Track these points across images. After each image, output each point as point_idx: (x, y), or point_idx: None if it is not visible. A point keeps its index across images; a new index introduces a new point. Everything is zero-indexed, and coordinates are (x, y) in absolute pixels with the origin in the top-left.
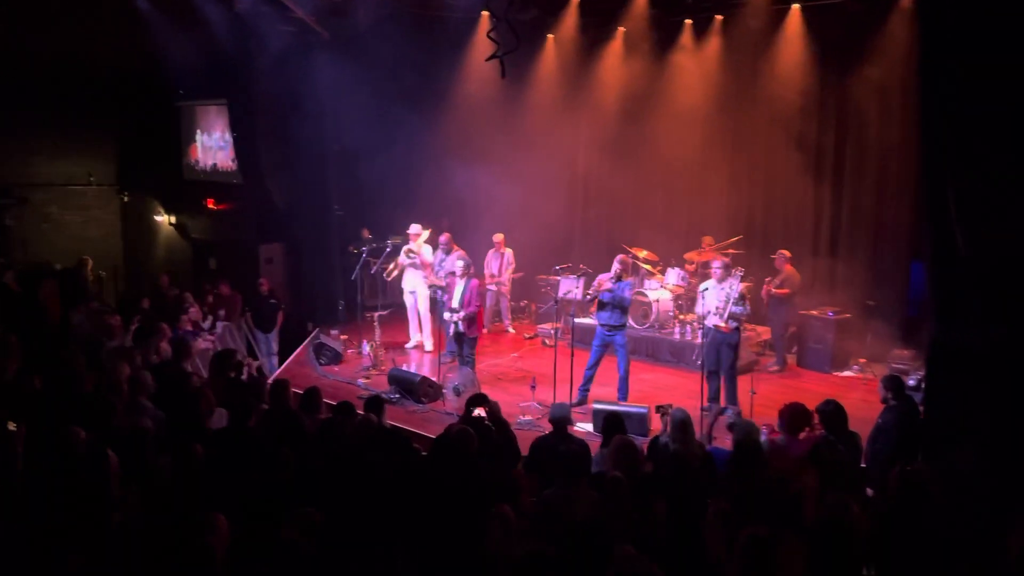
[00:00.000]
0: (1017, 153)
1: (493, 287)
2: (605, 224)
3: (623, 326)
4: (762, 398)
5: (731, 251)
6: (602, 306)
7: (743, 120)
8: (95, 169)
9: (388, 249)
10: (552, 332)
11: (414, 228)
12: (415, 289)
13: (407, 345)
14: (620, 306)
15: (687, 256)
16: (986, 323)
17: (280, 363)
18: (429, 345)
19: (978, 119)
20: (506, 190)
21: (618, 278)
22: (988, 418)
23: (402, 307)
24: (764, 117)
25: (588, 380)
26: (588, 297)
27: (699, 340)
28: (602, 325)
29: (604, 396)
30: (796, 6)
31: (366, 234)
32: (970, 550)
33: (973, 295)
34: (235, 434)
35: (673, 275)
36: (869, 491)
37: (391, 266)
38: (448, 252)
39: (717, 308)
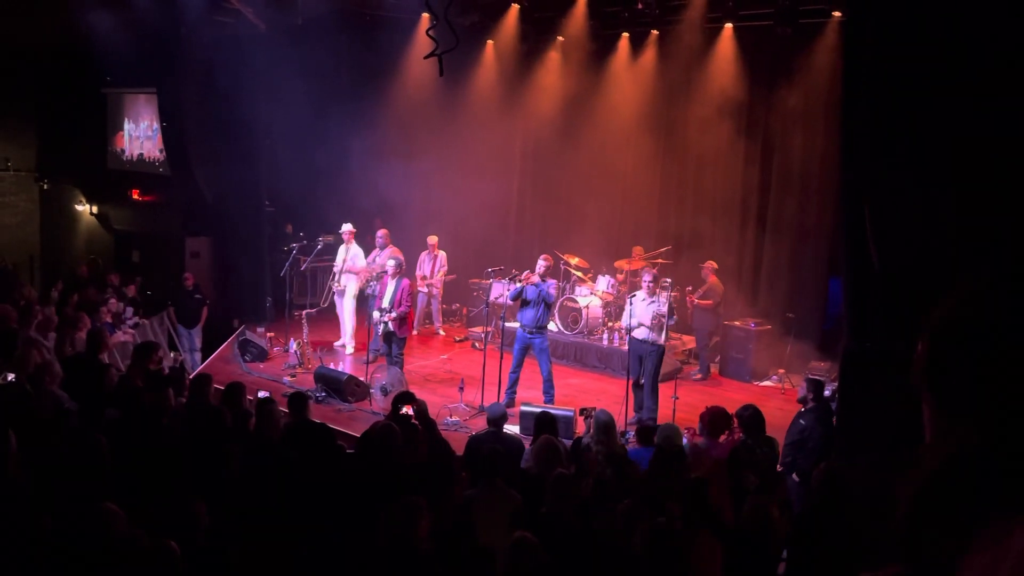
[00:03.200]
0: (928, 172)
1: (424, 289)
2: (539, 229)
3: (543, 328)
4: (684, 404)
5: (660, 260)
6: (524, 304)
7: (675, 132)
8: (12, 154)
9: (319, 247)
10: (482, 335)
11: (347, 227)
12: (345, 287)
13: (336, 344)
14: (544, 303)
15: (617, 264)
16: (893, 337)
17: (204, 359)
18: (350, 347)
19: (893, 138)
20: (441, 192)
21: (542, 277)
22: (894, 423)
23: (331, 307)
24: (695, 130)
25: (513, 383)
26: (513, 288)
27: (626, 348)
28: (523, 327)
29: (530, 399)
30: (729, 25)
31: (289, 229)
32: (876, 543)
33: (883, 310)
34: (142, 426)
35: (603, 282)
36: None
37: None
38: (383, 248)
39: (652, 321)
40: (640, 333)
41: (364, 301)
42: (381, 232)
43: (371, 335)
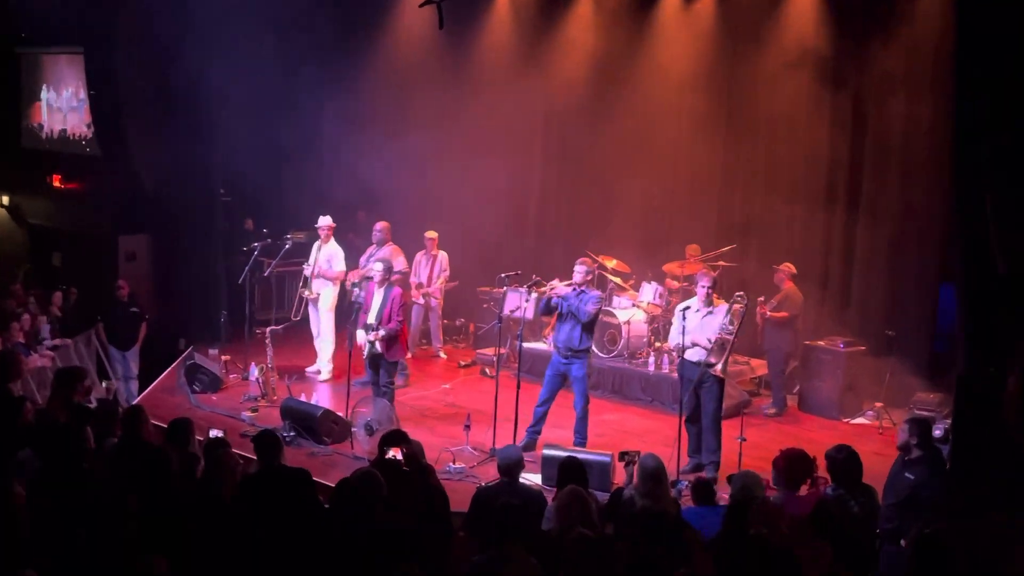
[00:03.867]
0: None
1: (420, 300)
2: (566, 224)
3: (585, 352)
4: (754, 447)
5: (722, 263)
6: (561, 319)
7: (740, 96)
8: None
9: (287, 246)
10: (494, 359)
11: (325, 221)
12: (319, 296)
13: (309, 370)
14: (581, 322)
15: (667, 268)
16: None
17: (141, 389)
18: (327, 372)
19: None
20: (441, 177)
21: (580, 288)
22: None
23: (303, 322)
24: (765, 93)
25: (538, 420)
26: (540, 299)
27: (676, 375)
28: (558, 349)
29: (557, 440)
30: None
31: (249, 226)
32: None
33: (1010, 326)
34: (67, 472)
35: (649, 291)
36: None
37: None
38: (381, 244)
39: (711, 338)
40: (694, 354)
41: (346, 314)
42: (380, 226)
43: (350, 356)
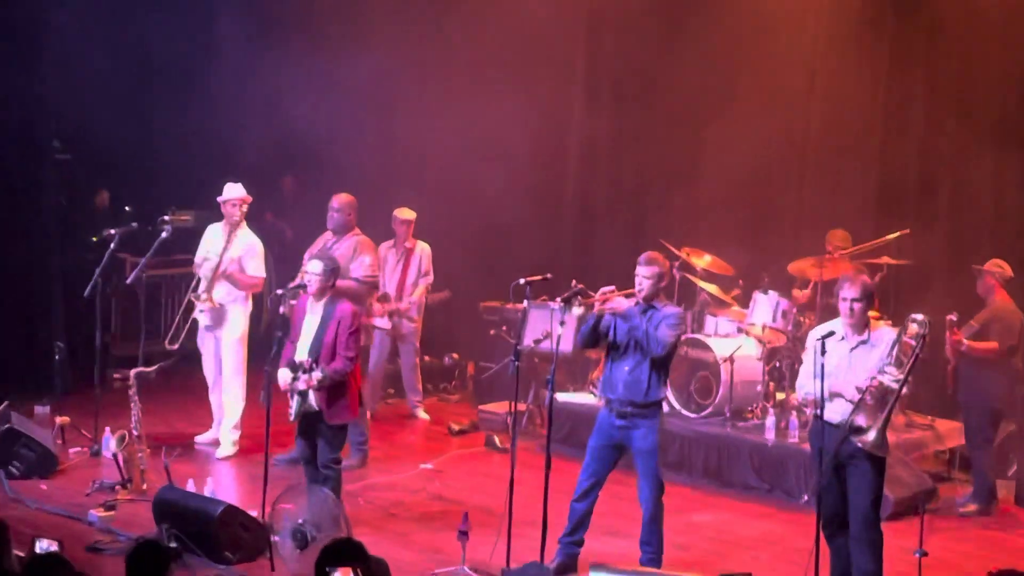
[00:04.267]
0: None
1: (385, 323)
2: (623, 201)
3: (656, 407)
4: (941, 564)
5: (886, 260)
6: (616, 353)
7: (910, 18)
8: None
9: (164, 234)
10: (506, 420)
11: (234, 192)
12: (224, 313)
13: (200, 439)
14: (652, 357)
15: (796, 269)
16: None
17: None
18: (231, 443)
19: None
20: (422, 125)
21: (647, 303)
22: None
23: (193, 359)
24: (954, 15)
25: (580, 521)
26: (584, 320)
27: (808, 447)
28: (611, 403)
29: (612, 556)
30: None
31: (102, 201)
32: None
33: None
34: None
35: (765, 307)
36: None
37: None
38: (341, 231)
39: (859, 390)
40: (837, 411)
41: (264, 347)
42: (340, 202)
43: (268, 417)
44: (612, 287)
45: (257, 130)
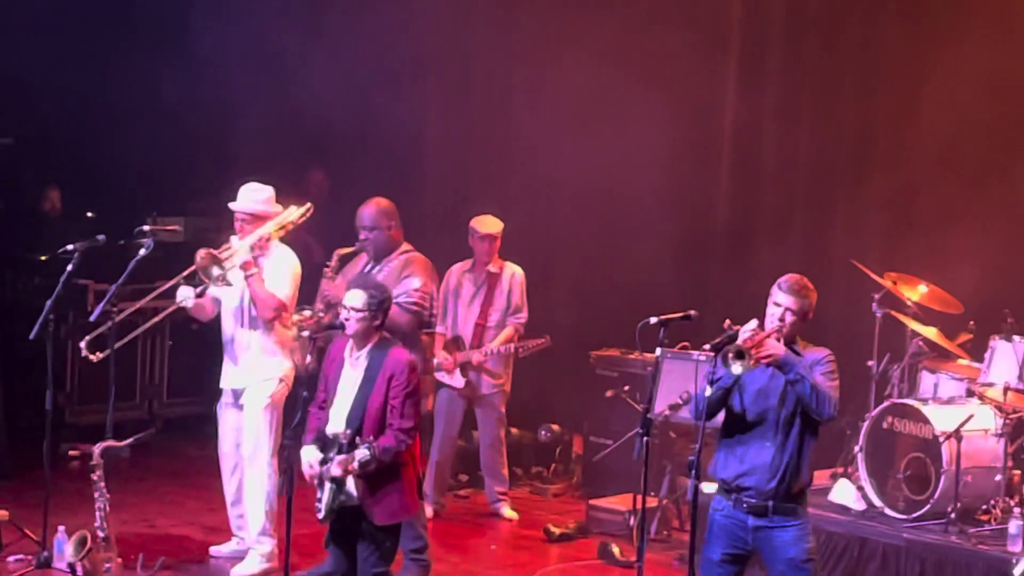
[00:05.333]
0: None
1: (453, 378)
2: (800, 216)
3: (800, 498)
4: None
5: None
6: (739, 421)
7: None
8: None
9: (144, 251)
10: (628, 520)
11: (257, 196)
12: (249, 383)
13: (217, 549)
14: (818, 421)
15: None
16: None
17: None
18: (261, 557)
19: None
20: (516, 108)
21: (792, 349)
22: None
23: (181, 429)
24: None
25: None
26: (720, 376)
27: None
28: (735, 492)
29: None
30: None
31: (55, 202)
32: None
33: None
34: None
35: (1008, 358)
36: None
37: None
38: (384, 253)
39: None
40: None
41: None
42: (372, 210)
43: (289, 518)
44: (755, 322)
45: (270, 105)
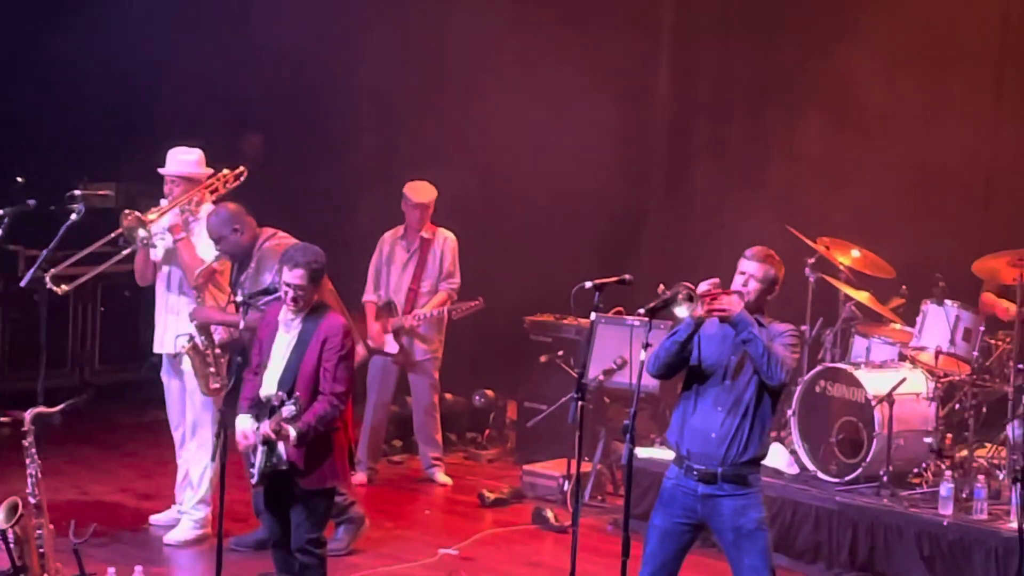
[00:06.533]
0: None
1: (390, 345)
2: (738, 182)
3: (756, 467)
4: None
5: None
6: (696, 385)
7: None
8: None
9: (73, 217)
10: (562, 486)
11: (186, 159)
12: (178, 337)
13: (157, 518)
14: (769, 388)
15: (984, 269)
16: None
17: None
18: (194, 522)
19: None
20: (461, 83)
21: (760, 314)
22: None
23: (115, 396)
24: None
25: None
26: (676, 331)
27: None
28: (688, 460)
29: None
30: None
31: None
32: None
33: None
34: None
35: (939, 323)
36: None
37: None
38: (239, 258)
39: None
40: None
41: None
42: (216, 219)
43: (223, 485)
44: (716, 280)
45: (201, 67)
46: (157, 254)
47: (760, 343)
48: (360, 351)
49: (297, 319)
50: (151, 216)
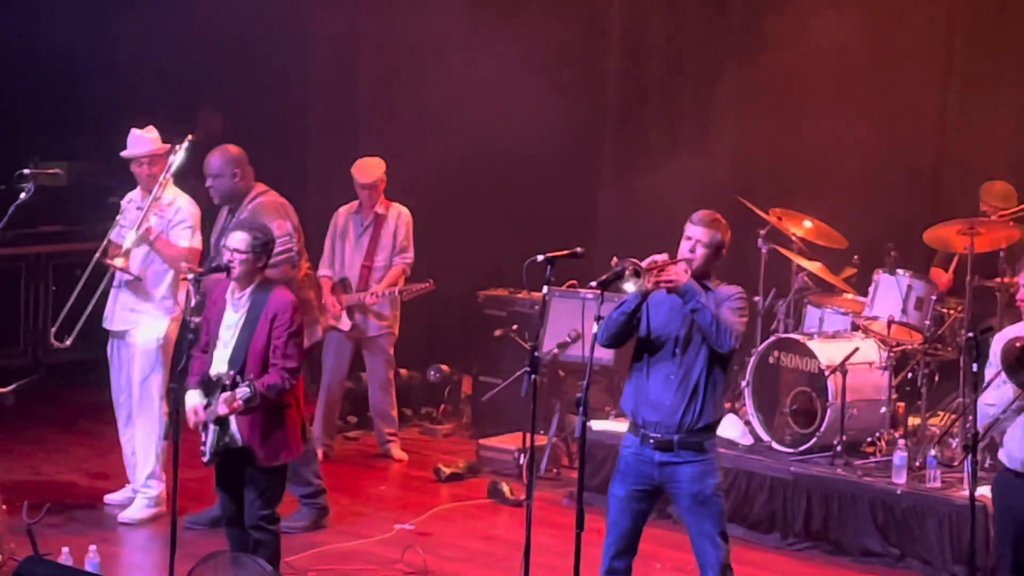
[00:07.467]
0: None
1: (343, 323)
2: (688, 152)
3: (711, 433)
4: None
5: None
6: (646, 355)
7: None
8: None
9: (22, 196)
10: (518, 458)
11: (137, 144)
12: (136, 316)
13: (112, 497)
14: (719, 355)
15: (935, 238)
16: None
17: None
18: (148, 500)
19: None
20: (412, 58)
21: (698, 281)
22: None
23: (71, 374)
24: None
25: None
26: (617, 306)
27: (987, 497)
28: (643, 429)
29: None
30: None
31: None
32: None
33: None
34: None
35: (891, 292)
36: None
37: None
38: (236, 199)
39: None
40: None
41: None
42: (216, 162)
43: (176, 460)
44: (664, 255)
45: (151, 45)
46: (136, 262)
47: (708, 312)
48: (320, 329)
49: (244, 296)
50: (124, 249)
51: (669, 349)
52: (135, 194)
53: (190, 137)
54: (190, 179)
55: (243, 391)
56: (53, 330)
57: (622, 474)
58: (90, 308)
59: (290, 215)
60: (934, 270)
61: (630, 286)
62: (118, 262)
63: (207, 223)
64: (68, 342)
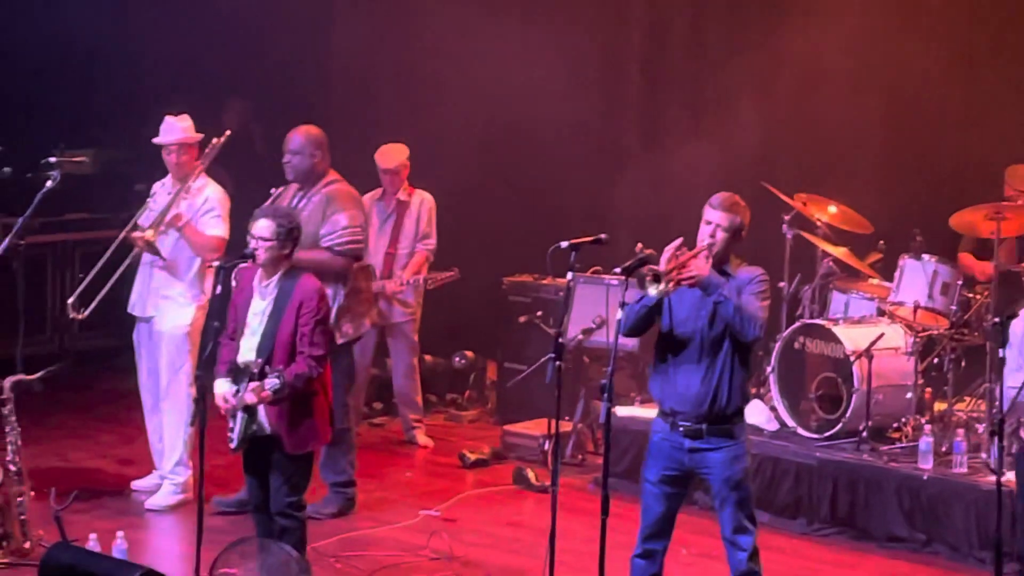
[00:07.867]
0: None
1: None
2: (712, 137)
3: (739, 418)
4: None
5: None
6: (671, 343)
7: None
8: None
9: (48, 184)
10: (542, 446)
11: (169, 132)
12: (165, 302)
13: (139, 483)
14: (744, 342)
15: (961, 223)
16: None
17: None
18: (175, 486)
19: None
20: (427, 35)
21: (718, 266)
22: None
23: (101, 360)
24: None
25: None
26: (640, 297)
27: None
28: (667, 415)
29: None
30: None
31: None
32: None
33: None
34: None
35: (917, 277)
36: None
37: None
38: (310, 182)
39: None
40: None
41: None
42: (299, 139)
43: (202, 446)
44: (679, 240)
45: (177, 34)
46: (166, 248)
47: (731, 304)
48: (367, 322)
49: (271, 284)
50: (151, 231)
51: (693, 340)
52: (167, 180)
53: (228, 132)
54: (216, 167)
55: (272, 382)
56: (70, 301)
57: (653, 459)
58: (111, 283)
59: (361, 207)
60: (963, 255)
61: (652, 291)
62: (149, 234)
63: (235, 211)
64: (85, 313)
